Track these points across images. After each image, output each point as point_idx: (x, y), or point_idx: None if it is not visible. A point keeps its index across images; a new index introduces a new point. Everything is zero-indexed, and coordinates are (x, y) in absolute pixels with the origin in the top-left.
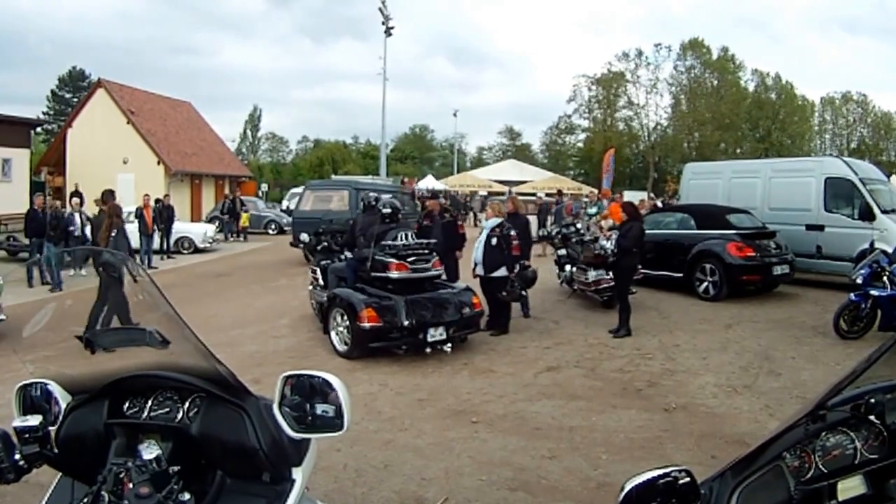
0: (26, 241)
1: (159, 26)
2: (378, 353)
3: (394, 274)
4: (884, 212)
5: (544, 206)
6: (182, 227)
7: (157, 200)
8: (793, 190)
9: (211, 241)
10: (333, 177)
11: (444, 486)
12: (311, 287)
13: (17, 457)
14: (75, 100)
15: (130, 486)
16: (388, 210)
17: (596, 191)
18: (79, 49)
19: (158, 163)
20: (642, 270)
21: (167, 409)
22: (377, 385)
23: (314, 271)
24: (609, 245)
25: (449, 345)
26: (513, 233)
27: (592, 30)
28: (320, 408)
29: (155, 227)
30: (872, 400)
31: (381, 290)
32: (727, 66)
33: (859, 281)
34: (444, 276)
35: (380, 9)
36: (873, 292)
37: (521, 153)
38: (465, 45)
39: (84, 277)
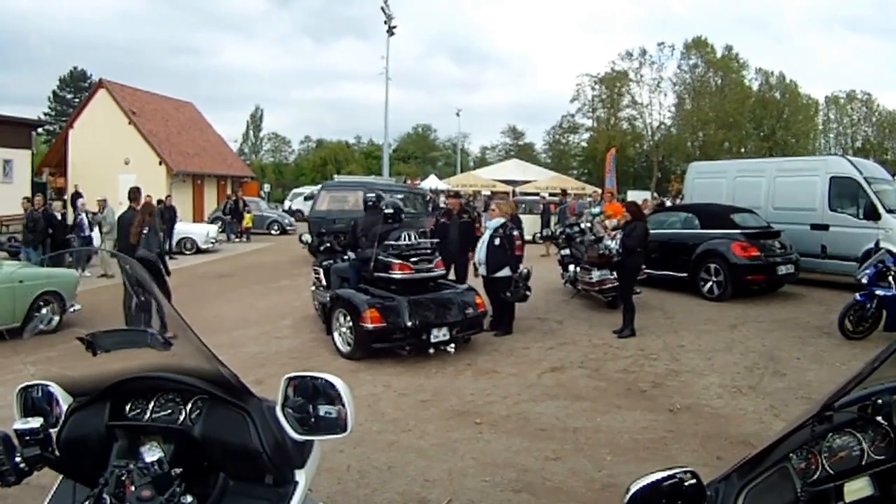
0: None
1: (160, 26)
2: (381, 353)
3: (397, 274)
4: (889, 211)
5: (547, 206)
6: (184, 227)
7: (159, 201)
8: (797, 189)
9: (213, 241)
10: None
11: (447, 488)
12: (313, 287)
13: (18, 459)
14: (77, 100)
15: (132, 488)
16: (391, 210)
17: (599, 190)
18: (80, 49)
19: (160, 163)
20: (646, 270)
21: (169, 411)
22: (380, 386)
23: (317, 272)
24: (614, 245)
25: (452, 345)
26: (515, 233)
27: (594, 29)
28: (323, 409)
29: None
30: (879, 401)
31: (385, 291)
32: (731, 65)
33: (864, 281)
34: (451, 276)
35: (382, 8)
36: (878, 292)
37: (525, 153)
38: (468, 45)
39: (87, 277)
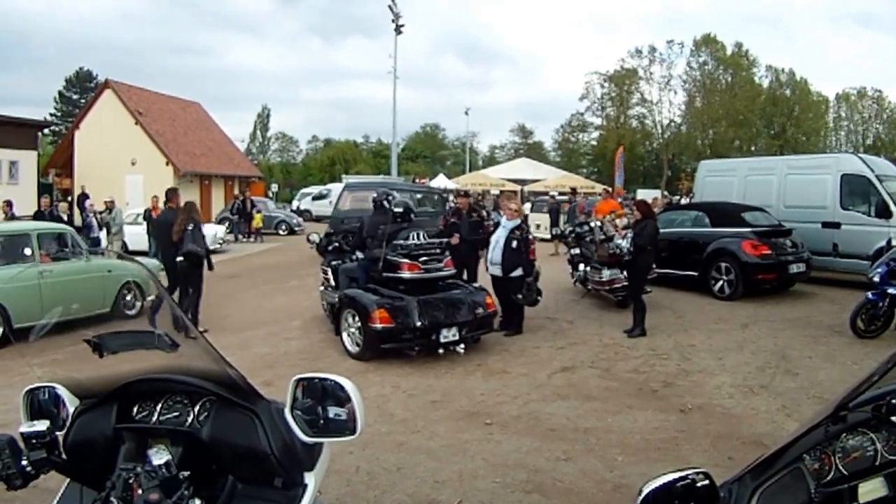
0: None
1: (166, 26)
2: (390, 354)
3: (406, 274)
4: None
5: (556, 205)
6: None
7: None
8: (808, 187)
9: (221, 241)
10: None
11: (457, 489)
12: (322, 288)
13: (25, 462)
14: (83, 101)
15: (140, 491)
16: (400, 209)
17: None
18: (86, 50)
19: (167, 164)
20: (656, 269)
21: (177, 413)
22: (389, 387)
23: (325, 272)
24: (625, 244)
25: (462, 345)
26: (531, 237)
27: (604, 26)
28: (333, 411)
29: None
30: (894, 401)
31: (393, 291)
32: (741, 62)
33: (876, 279)
34: (464, 276)
35: (389, 6)
36: (891, 290)
37: (534, 151)
38: (476, 43)
39: None
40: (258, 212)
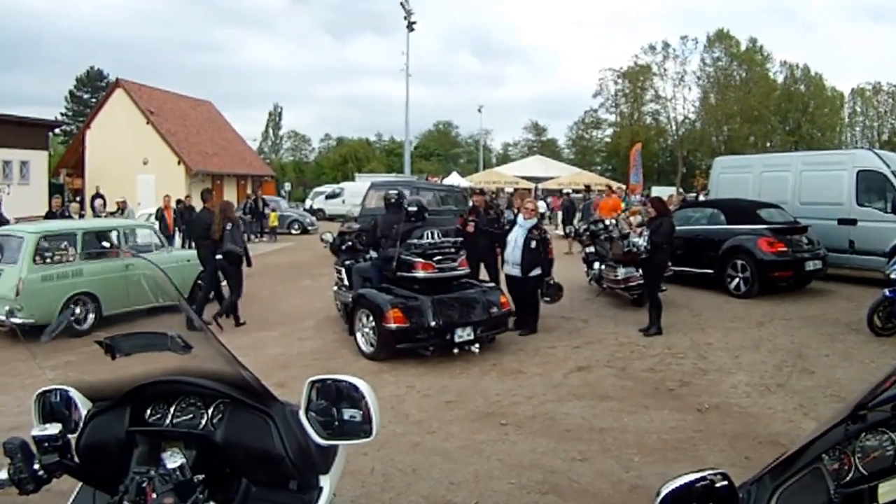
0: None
1: (177, 24)
2: (404, 354)
3: (420, 273)
4: None
5: (570, 203)
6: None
7: (178, 201)
8: (824, 184)
9: None
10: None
11: (473, 490)
12: (335, 288)
13: (37, 466)
14: (93, 100)
15: (154, 495)
16: (414, 208)
17: (624, 186)
18: (96, 49)
19: (179, 163)
20: (672, 267)
21: (191, 416)
22: (404, 387)
23: (339, 271)
24: (641, 242)
25: (477, 345)
26: (548, 236)
27: (617, 22)
28: (348, 413)
29: (176, 228)
30: None
31: (407, 290)
32: (755, 57)
33: (893, 276)
34: (483, 275)
35: (401, 3)
36: None
37: (547, 149)
38: (489, 40)
39: None
40: (273, 210)
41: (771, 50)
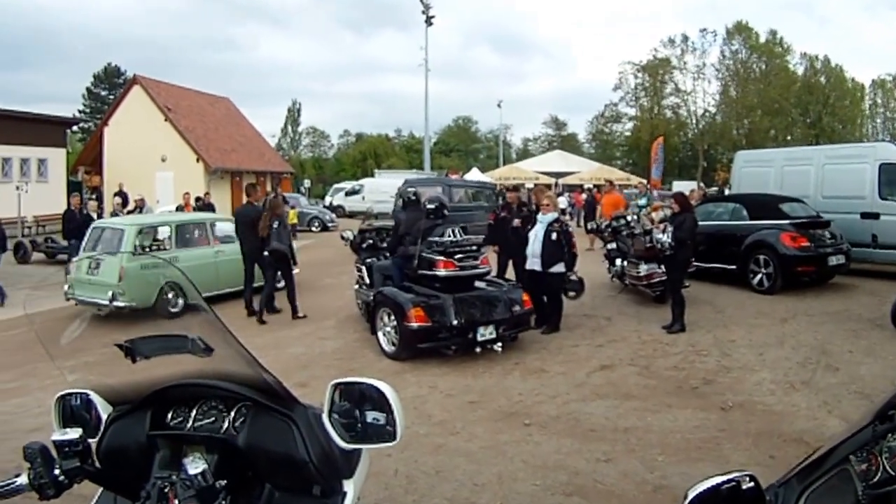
0: (64, 243)
1: (195, 21)
2: (426, 353)
3: (441, 272)
4: None
5: (592, 199)
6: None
7: (197, 199)
8: (846, 177)
9: None
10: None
11: (497, 492)
12: (356, 286)
13: (57, 472)
14: (111, 97)
15: (176, 501)
16: (434, 206)
17: (645, 181)
18: (113, 46)
19: (198, 160)
20: (694, 263)
21: (212, 419)
22: (426, 387)
23: (359, 270)
24: (665, 238)
25: (499, 344)
26: (571, 229)
27: (636, 15)
28: (371, 416)
29: None
30: None
31: (429, 289)
32: (774, 49)
33: None
34: (508, 273)
35: None
36: None
37: (568, 143)
38: (509, 34)
39: None
40: (292, 207)
41: (791, 42)
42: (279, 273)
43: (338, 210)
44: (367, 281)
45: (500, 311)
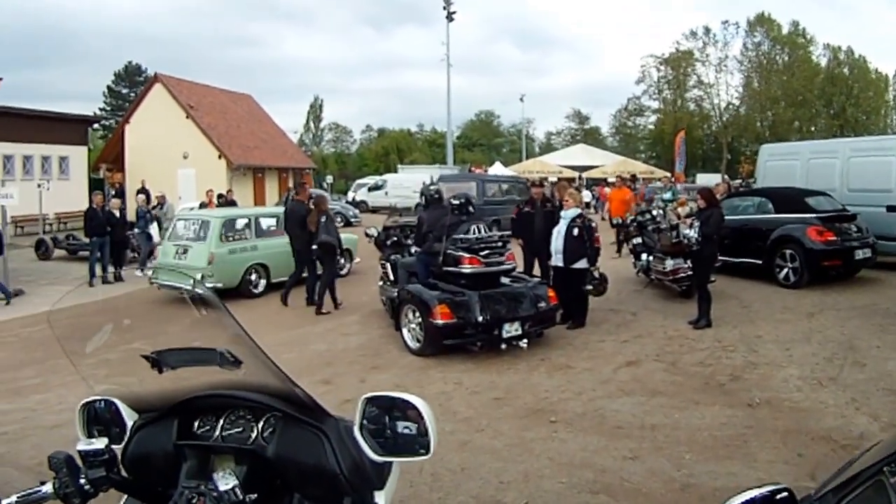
0: (86, 240)
1: (216, 18)
2: (451, 349)
3: (466, 268)
4: None
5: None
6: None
7: (219, 196)
8: (872, 170)
9: None
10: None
11: (523, 491)
12: (380, 282)
13: (83, 481)
14: (132, 95)
15: None
16: (459, 202)
17: (668, 174)
18: (134, 44)
19: (220, 157)
20: (720, 257)
21: (240, 429)
22: (452, 384)
23: (384, 266)
24: (692, 233)
25: (525, 340)
26: (594, 224)
27: (659, 6)
28: (403, 430)
29: None
30: None
31: (454, 286)
32: (797, 41)
33: None
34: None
35: None
36: None
37: (591, 137)
38: (530, 28)
39: (142, 277)
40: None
41: (813, 33)
42: (322, 265)
43: (361, 205)
44: (392, 277)
45: (526, 307)
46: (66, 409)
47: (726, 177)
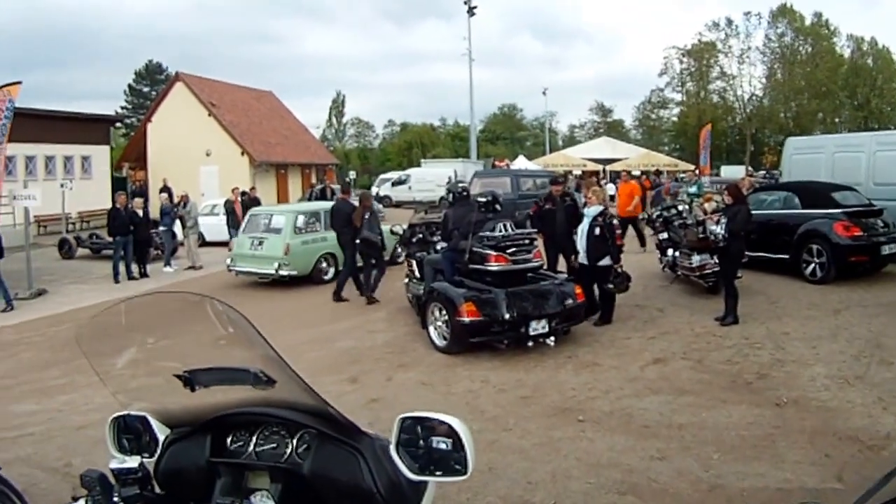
0: (109, 239)
1: (235, 16)
2: (478, 347)
3: (493, 266)
4: None
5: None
6: None
7: (243, 193)
8: None
9: None
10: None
11: (550, 491)
12: (406, 279)
13: (116, 499)
14: (153, 93)
15: None
16: (486, 199)
17: (692, 167)
18: (154, 42)
19: (242, 154)
20: (747, 253)
21: (274, 445)
22: (479, 382)
23: (410, 263)
24: (719, 230)
25: (552, 338)
26: (615, 222)
27: None
28: (440, 449)
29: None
30: None
31: (480, 283)
32: (820, 31)
33: None
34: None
35: None
36: None
37: (614, 130)
38: (552, 20)
39: (172, 273)
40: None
41: (837, 24)
42: (370, 259)
43: (384, 200)
44: (418, 275)
45: (553, 304)
46: (92, 410)
47: (750, 168)
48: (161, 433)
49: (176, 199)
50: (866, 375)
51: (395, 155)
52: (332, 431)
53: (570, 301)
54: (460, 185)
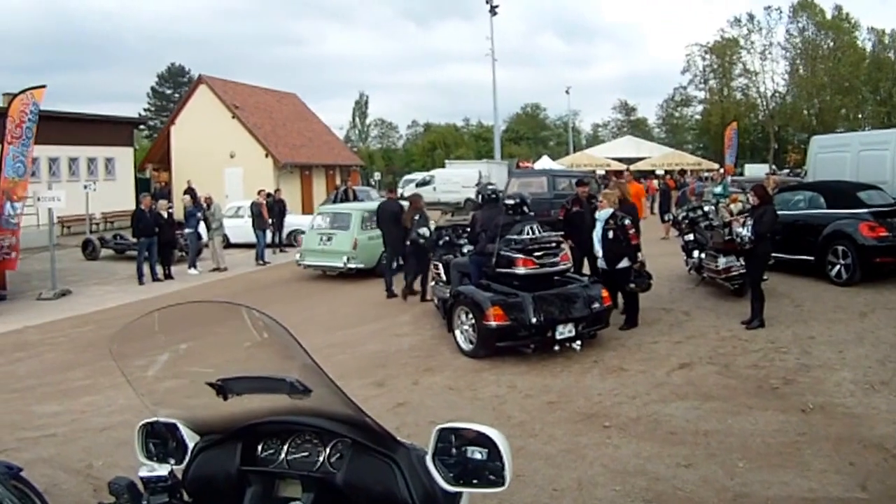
0: (133, 240)
1: (257, 19)
2: (504, 351)
3: (520, 270)
4: None
5: (666, 187)
6: (294, 219)
7: (268, 195)
8: None
9: None
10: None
11: (576, 498)
12: (432, 282)
13: None
14: (176, 95)
15: None
16: (514, 202)
17: (717, 165)
18: (176, 45)
19: (266, 156)
20: (773, 255)
21: (306, 453)
22: (505, 387)
23: (436, 266)
24: (745, 232)
25: (578, 342)
26: (627, 221)
27: None
28: (472, 452)
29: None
30: None
31: (507, 287)
32: (842, 25)
33: None
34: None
35: None
36: None
37: (638, 128)
38: (574, 19)
39: (196, 275)
40: (361, 201)
41: (857, 17)
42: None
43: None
44: (444, 278)
45: (580, 308)
46: (115, 412)
47: (773, 166)
48: (190, 440)
49: (200, 202)
50: (892, 381)
51: (419, 156)
52: (368, 441)
53: (596, 305)
54: (490, 187)
